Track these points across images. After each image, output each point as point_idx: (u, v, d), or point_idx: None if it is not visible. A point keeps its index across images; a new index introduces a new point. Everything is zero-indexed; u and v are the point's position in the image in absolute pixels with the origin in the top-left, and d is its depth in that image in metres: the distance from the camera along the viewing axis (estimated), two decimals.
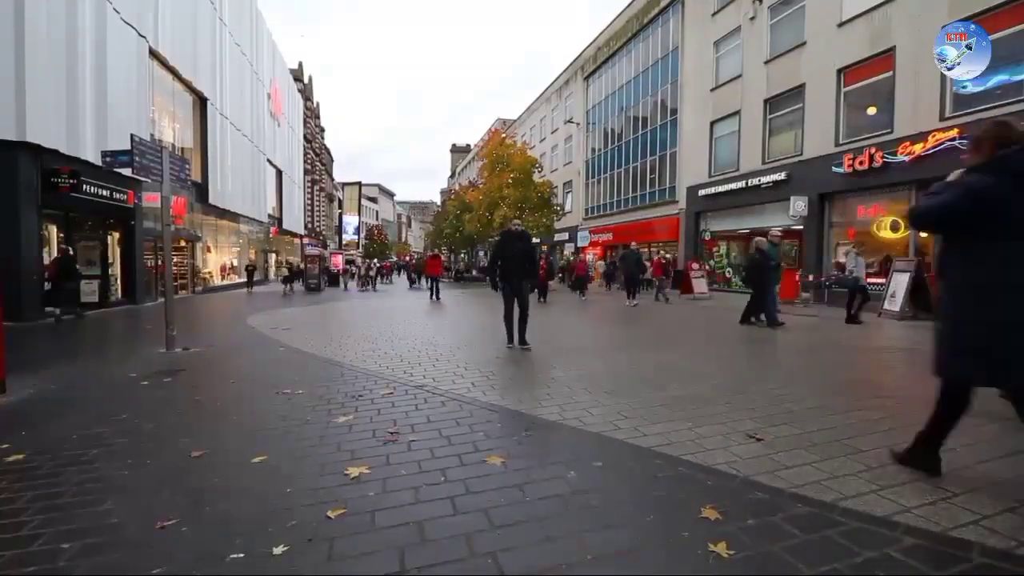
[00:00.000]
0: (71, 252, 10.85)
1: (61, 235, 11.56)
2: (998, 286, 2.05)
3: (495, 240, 6.32)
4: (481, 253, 43.02)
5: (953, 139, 10.15)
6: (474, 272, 34.38)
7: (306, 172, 39.87)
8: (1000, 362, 2.03)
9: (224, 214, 21.16)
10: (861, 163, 12.10)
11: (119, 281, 13.77)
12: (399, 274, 40.24)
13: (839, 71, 13.21)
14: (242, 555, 1.82)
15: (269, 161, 27.88)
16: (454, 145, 78.11)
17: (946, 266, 2.25)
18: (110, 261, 13.44)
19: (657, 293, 14.52)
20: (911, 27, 11.32)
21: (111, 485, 2.44)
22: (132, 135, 6.63)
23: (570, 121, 30.46)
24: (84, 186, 10.97)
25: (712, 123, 18.43)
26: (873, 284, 10.18)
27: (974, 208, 2.07)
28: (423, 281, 28.77)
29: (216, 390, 4.49)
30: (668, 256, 17.54)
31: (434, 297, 15.01)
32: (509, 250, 6.08)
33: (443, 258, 27.95)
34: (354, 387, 4.31)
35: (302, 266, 23.75)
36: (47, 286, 10.42)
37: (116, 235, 13.72)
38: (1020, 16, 9.45)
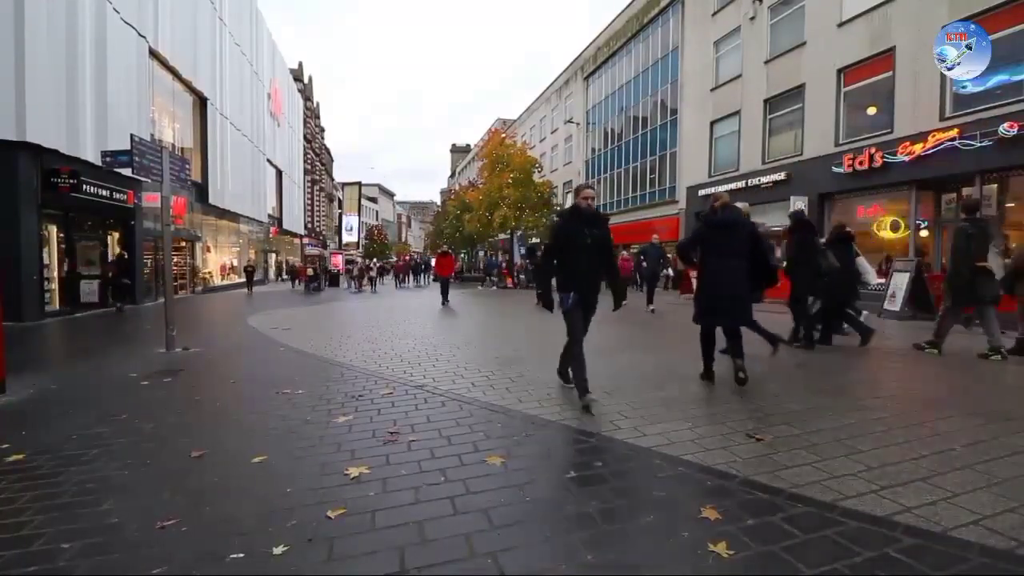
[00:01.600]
0: (126, 256, 13.08)
1: (61, 235, 11.56)
2: (711, 277, 4.21)
3: (553, 224, 4.80)
4: (481, 253, 42.86)
5: (953, 139, 10.16)
6: (473, 272, 34.34)
7: (306, 172, 39.86)
8: (714, 314, 4.20)
9: (224, 214, 21.16)
10: (861, 163, 12.10)
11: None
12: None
13: (839, 71, 13.22)
14: (242, 555, 1.82)
15: (269, 161, 27.88)
16: (454, 145, 78.09)
17: (700, 268, 4.33)
18: (110, 261, 13.45)
19: None
20: (911, 27, 11.32)
21: (111, 485, 2.44)
22: (132, 135, 6.62)
23: (570, 121, 30.46)
24: (84, 186, 10.97)
25: (712, 123, 18.44)
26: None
27: (696, 241, 4.34)
28: (412, 280, 28.57)
29: (216, 390, 4.49)
30: None
31: (445, 301, 13.39)
32: (574, 241, 3.70)
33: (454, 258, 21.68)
34: (354, 387, 4.31)
35: (318, 268, 23.62)
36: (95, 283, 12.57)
37: (116, 235, 13.72)
38: (1020, 16, 9.45)
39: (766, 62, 15.74)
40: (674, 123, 21.05)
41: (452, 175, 70.83)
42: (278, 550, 1.84)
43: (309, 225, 41.16)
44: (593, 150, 28.41)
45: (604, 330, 8.27)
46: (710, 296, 4.18)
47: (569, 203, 31.72)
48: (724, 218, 4.16)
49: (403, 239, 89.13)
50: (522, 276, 22.37)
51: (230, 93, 20.82)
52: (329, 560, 1.79)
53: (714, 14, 18.23)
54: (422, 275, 29.74)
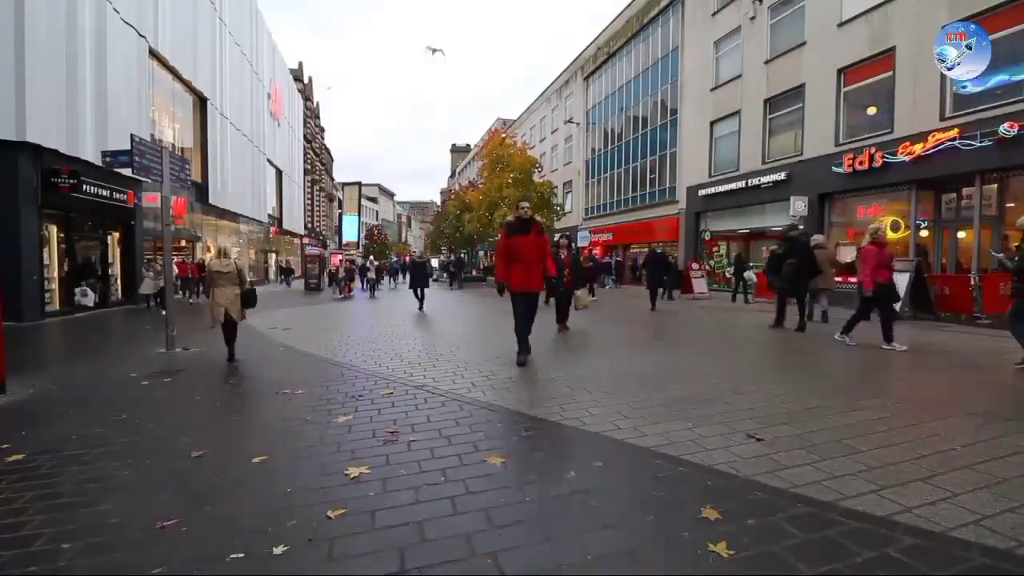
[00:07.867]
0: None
1: (61, 235, 11.56)
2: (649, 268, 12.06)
3: None
4: (481, 253, 42.56)
5: (953, 139, 10.15)
6: (474, 273, 34.14)
7: (306, 172, 39.86)
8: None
9: (224, 214, 21.16)
10: (861, 163, 12.09)
11: (119, 281, 13.78)
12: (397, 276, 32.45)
13: (839, 71, 13.20)
14: (242, 555, 1.82)
15: (269, 161, 27.87)
16: (454, 145, 78.04)
17: (648, 268, 12.18)
18: (110, 261, 13.46)
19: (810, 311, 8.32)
20: (911, 27, 11.31)
21: (111, 485, 2.44)
22: (132, 135, 6.63)
23: (570, 121, 30.43)
24: (84, 186, 10.97)
25: (712, 123, 18.42)
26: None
27: (651, 262, 12.10)
28: (393, 281, 27.88)
29: (216, 390, 4.49)
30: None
31: (522, 358, 5.85)
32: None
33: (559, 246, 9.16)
34: (354, 387, 4.31)
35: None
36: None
37: (116, 235, 13.72)
38: (1020, 16, 9.44)
39: (766, 62, 15.73)
40: (674, 123, 21.03)
41: (452, 175, 70.78)
42: (278, 550, 1.84)
43: (309, 225, 41.15)
44: (593, 150, 28.38)
45: (603, 330, 8.26)
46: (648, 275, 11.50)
47: (569, 203, 31.51)
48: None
49: (403, 239, 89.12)
50: None
51: (230, 93, 20.82)
52: (329, 560, 1.79)
53: (714, 14, 18.22)
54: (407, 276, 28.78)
